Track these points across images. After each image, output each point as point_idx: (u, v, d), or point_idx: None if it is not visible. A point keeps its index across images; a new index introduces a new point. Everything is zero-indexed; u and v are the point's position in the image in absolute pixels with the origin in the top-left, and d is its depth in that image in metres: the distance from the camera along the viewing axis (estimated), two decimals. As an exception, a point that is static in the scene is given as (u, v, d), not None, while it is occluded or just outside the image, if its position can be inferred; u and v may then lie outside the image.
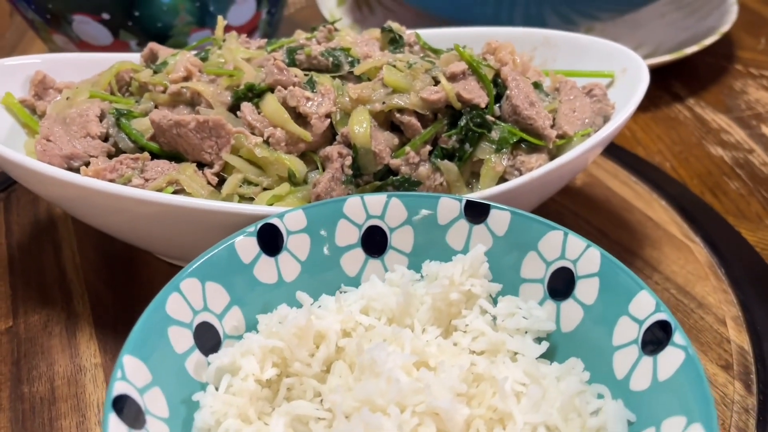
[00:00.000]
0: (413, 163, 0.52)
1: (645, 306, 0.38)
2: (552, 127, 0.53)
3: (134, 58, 0.67)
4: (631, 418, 0.37)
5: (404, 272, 0.46)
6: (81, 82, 0.63)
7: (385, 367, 0.37)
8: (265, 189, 0.51)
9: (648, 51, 0.93)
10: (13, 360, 0.53)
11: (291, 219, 0.45)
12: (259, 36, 0.87)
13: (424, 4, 0.94)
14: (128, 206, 0.47)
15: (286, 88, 0.53)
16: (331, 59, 0.56)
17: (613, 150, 0.76)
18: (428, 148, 0.52)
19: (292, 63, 0.57)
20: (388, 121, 0.53)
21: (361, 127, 0.51)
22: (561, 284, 0.43)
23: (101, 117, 0.55)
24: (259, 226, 0.44)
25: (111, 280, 0.61)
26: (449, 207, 0.47)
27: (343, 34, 0.61)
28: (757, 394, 0.50)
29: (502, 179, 0.52)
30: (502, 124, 0.53)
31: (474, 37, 0.67)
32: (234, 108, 0.54)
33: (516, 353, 0.42)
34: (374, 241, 0.47)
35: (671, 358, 0.36)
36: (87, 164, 0.52)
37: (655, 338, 0.37)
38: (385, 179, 0.53)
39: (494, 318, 0.44)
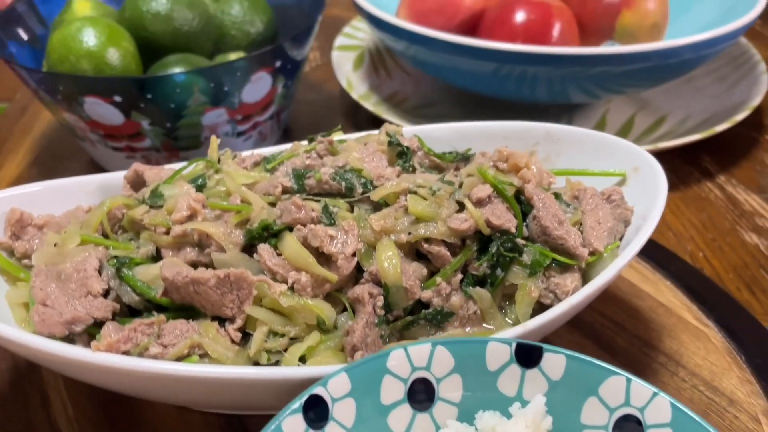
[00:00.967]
0: (445, 295, 0.49)
1: (732, 466, 0.37)
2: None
3: (116, 178, 0.62)
4: None
5: (458, 428, 0.44)
6: (63, 216, 0.58)
7: None
8: (292, 338, 0.47)
9: (675, 121, 0.91)
10: None
11: (335, 385, 0.42)
12: (275, 108, 0.84)
13: (443, 76, 0.92)
14: (152, 383, 0.42)
15: (305, 225, 0.49)
16: (343, 183, 0.53)
17: (684, 275, 0.71)
18: (459, 276, 0.50)
19: (302, 188, 0.54)
20: (413, 250, 0.51)
21: (390, 263, 0.48)
22: (629, 433, 0.42)
23: (100, 268, 0.50)
24: (304, 399, 0.41)
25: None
26: (499, 351, 0.44)
27: (348, 147, 0.58)
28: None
29: (537, 302, 0.50)
30: (532, 245, 0.51)
31: (474, 132, 0.66)
32: (247, 247, 0.50)
33: None
34: (421, 394, 0.45)
35: None
36: (95, 325, 0.47)
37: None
38: (416, 312, 0.50)
39: (563, 475, 0.42)
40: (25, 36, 0.89)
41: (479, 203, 0.50)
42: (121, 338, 0.44)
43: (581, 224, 0.53)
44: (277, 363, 0.46)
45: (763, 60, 0.98)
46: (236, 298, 0.46)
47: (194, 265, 0.50)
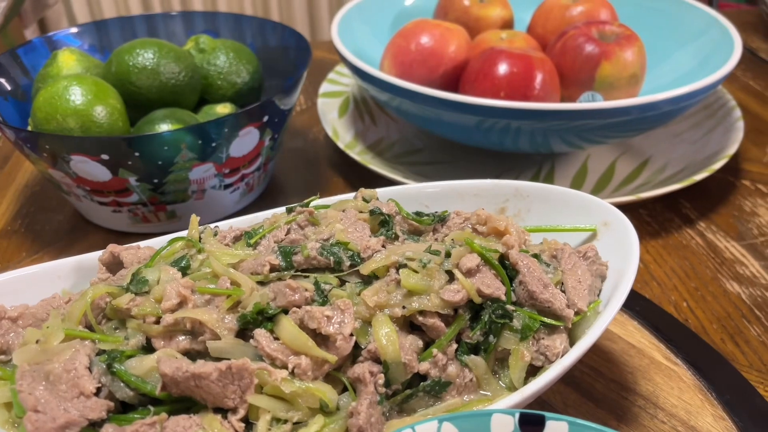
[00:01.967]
0: (441, 366, 0.50)
1: None
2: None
3: (90, 260, 0.61)
4: None
5: (470, 502, 0.44)
6: (39, 306, 0.56)
7: None
8: (295, 423, 0.47)
9: (655, 168, 0.94)
10: None
11: (349, 473, 0.42)
12: (262, 160, 0.84)
13: (427, 126, 0.94)
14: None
15: (299, 307, 0.50)
16: (331, 257, 0.54)
17: (650, 316, 0.73)
18: (454, 345, 0.51)
19: (290, 265, 0.54)
20: (407, 322, 0.52)
21: (389, 340, 0.49)
22: (634, 494, 0.43)
23: (89, 365, 0.48)
24: (320, 492, 0.41)
25: None
26: (503, 423, 0.45)
27: (329, 217, 0.59)
28: None
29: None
30: (521, 309, 0.52)
31: (446, 190, 0.68)
32: (241, 332, 0.50)
33: None
34: (430, 471, 0.45)
35: None
36: (90, 426, 0.45)
37: None
38: (414, 385, 0.51)
39: None
40: (8, 87, 0.88)
41: (469, 273, 0.52)
42: (124, 441, 0.43)
43: (563, 284, 0.55)
44: (283, 451, 0.46)
45: (738, 102, 1.02)
46: (238, 388, 0.46)
47: (188, 353, 0.49)
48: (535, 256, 0.57)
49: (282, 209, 0.63)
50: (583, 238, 0.63)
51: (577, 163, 0.98)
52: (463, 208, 0.65)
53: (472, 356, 0.51)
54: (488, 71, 0.90)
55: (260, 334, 0.48)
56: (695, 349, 0.70)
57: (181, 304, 0.51)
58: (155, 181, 0.76)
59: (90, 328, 0.52)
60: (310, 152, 1.06)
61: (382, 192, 0.67)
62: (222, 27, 1.00)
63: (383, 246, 0.56)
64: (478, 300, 0.51)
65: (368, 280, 0.53)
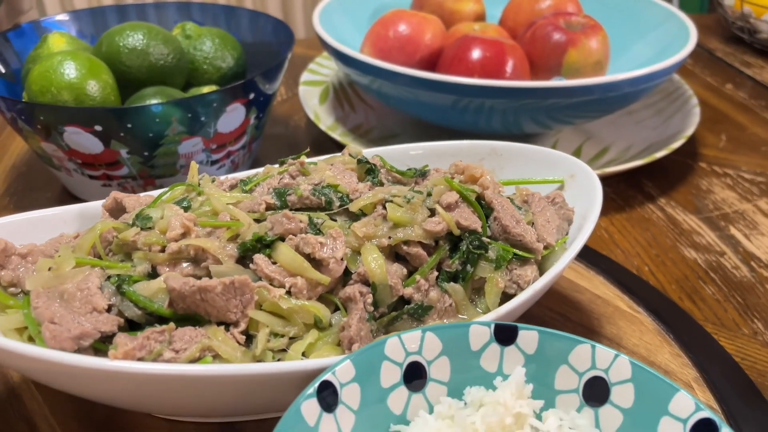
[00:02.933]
0: (424, 291, 0.55)
1: (685, 406, 0.44)
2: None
3: (94, 207, 0.65)
4: None
5: (450, 402, 0.49)
6: (47, 245, 0.59)
7: None
8: (291, 338, 0.52)
9: (619, 150, 1.00)
10: None
11: (341, 372, 0.47)
12: (247, 139, 0.88)
13: (405, 108, 0.98)
14: (170, 386, 0.45)
15: (295, 235, 0.54)
16: (323, 197, 0.58)
17: (614, 271, 0.79)
18: (435, 273, 0.56)
19: (284, 204, 0.58)
20: (393, 253, 0.56)
21: (377, 264, 0.53)
22: (596, 392, 0.48)
23: (100, 287, 0.52)
24: (317, 385, 0.45)
25: (108, 451, 0.57)
26: (480, 333, 0.50)
27: (319, 168, 0.64)
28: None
29: (502, 292, 0.57)
30: (495, 243, 0.58)
31: (426, 151, 0.73)
32: (240, 259, 0.54)
33: (574, 464, 0.46)
34: (414, 377, 0.50)
35: (725, 452, 0.42)
36: (100, 340, 0.49)
37: (703, 434, 0.43)
38: (399, 308, 0.55)
39: (545, 434, 0.48)
40: (1, 69, 0.90)
41: (448, 208, 0.57)
42: (136, 346, 0.47)
43: (533, 223, 0.61)
44: (280, 360, 0.50)
45: (697, 96, 1.10)
46: (239, 303, 0.50)
47: (190, 278, 0.54)
48: (509, 199, 0.62)
49: (276, 165, 0.68)
50: (553, 189, 0.69)
51: (546, 144, 1.02)
52: (442, 167, 0.71)
53: (452, 283, 0.56)
54: (462, 56, 0.95)
55: (259, 258, 0.53)
56: (655, 300, 0.76)
57: (185, 234, 0.55)
58: (146, 153, 0.79)
59: (98, 258, 0.56)
60: (292, 138, 1.10)
61: (367, 152, 0.72)
62: (206, 19, 1.04)
63: (370, 190, 0.61)
64: (456, 231, 0.56)
65: (356, 217, 0.58)
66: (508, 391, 0.48)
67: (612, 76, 0.88)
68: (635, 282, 0.78)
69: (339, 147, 0.99)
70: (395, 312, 0.55)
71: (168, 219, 0.55)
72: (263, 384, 0.47)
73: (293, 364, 0.47)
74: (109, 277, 0.53)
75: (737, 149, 1.06)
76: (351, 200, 0.59)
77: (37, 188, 0.95)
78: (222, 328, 0.50)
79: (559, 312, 0.73)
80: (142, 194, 0.65)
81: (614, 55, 1.06)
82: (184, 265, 0.54)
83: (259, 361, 0.50)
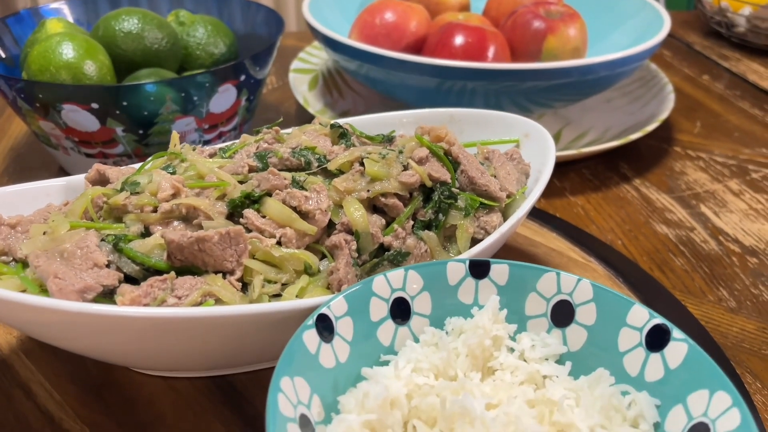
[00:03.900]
0: (401, 238, 0.60)
1: (640, 316, 0.51)
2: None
3: (77, 180, 0.67)
4: (656, 402, 0.48)
5: (434, 331, 0.54)
6: (36, 215, 0.61)
7: (477, 413, 0.45)
8: (283, 284, 0.56)
9: (597, 134, 1.04)
10: None
11: (336, 307, 0.51)
12: (238, 120, 0.92)
13: (391, 92, 1.02)
14: (177, 329, 0.49)
15: (281, 190, 0.58)
16: (302, 159, 0.62)
17: (566, 228, 0.85)
18: (411, 222, 0.61)
19: (266, 166, 0.62)
20: (371, 205, 0.61)
21: (359, 214, 0.58)
22: (562, 314, 0.54)
23: (98, 245, 0.55)
24: (315, 317, 0.49)
25: (108, 409, 0.60)
26: (456, 269, 0.56)
27: (293, 135, 0.68)
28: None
29: (472, 237, 0.63)
30: (463, 193, 0.63)
31: (391, 120, 0.78)
32: (229, 216, 0.58)
33: (548, 377, 0.52)
34: (400, 311, 0.55)
35: (676, 349, 0.48)
36: (101, 295, 0.52)
37: (657, 338, 0.49)
38: (379, 255, 0.60)
39: (521, 353, 0.53)
40: (1, 54, 0.91)
41: (420, 162, 0.62)
42: (141, 293, 0.50)
43: (495, 176, 0.66)
44: (275, 304, 0.54)
45: (674, 86, 1.13)
46: (234, 252, 0.54)
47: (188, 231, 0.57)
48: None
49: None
50: (510, 148, 0.75)
51: None
52: (407, 133, 0.76)
53: (426, 231, 0.61)
54: (446, 42, 1.00)
55: (249, 212, 0.57)
56: (604, 250, 0.83)
57: (174, 195, 0.58)
58: (140, 132, 0.82)
59: (91, 222, 0.59)
60: (282, 123, 1.14)
61: (334, 123, 0.76)
62: (199, 8, 1.07)
63: (344, 151, 0.65)
64: (429, 183, 0.61)
65: (334, 176, 0.62)
66: (485, 316, 0.53)
67: (589, 59, 0.92)
68: (584, 236, 0.85)
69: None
70: (376, 259, 0.59)
71: (157, 182, 0.58)
72: (265, 323, 0.51)
73: (293, 302, 0.51)
74: (104, 238, 0.56)
75: (711, 135, 1.11)
76: (328, 161, 0.63)
77: (35, 168, 0.98)
78: (219, 275, 0.54)
79: (517, 264, 0.79)
80: (123, 167, 0.68)
81: (592, 42, 1.11)
82: (176, 224, 0.57)
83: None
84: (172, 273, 0.53)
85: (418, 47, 1.06)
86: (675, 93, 1.11)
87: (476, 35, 0.99)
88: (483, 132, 0.76)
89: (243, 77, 0.87)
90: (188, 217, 0.57)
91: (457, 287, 0.56)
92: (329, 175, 0.63)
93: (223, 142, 0.91)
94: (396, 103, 1.12)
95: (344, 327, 0.51)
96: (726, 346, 0.71)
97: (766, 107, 1.22)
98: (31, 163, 0.99)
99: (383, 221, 0.60)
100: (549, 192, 0.94)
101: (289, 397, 0.45)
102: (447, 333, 0.55)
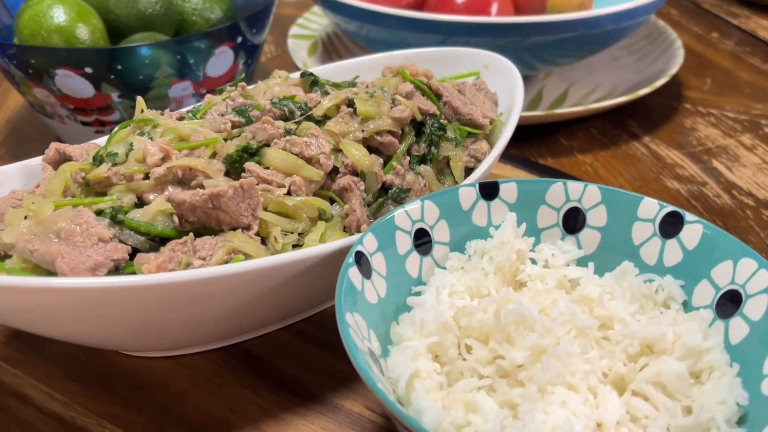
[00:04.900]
0: (401, 175, 0.60)
1: (650, 208, 0.54)
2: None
3: (34, 163, 0.61)
4: (681, 283, 0.51)
5: (459, 256, 0.55)
6: (1, 202, 0.55)
7: (536, 317, 0.46)
8: (299, 234, 0.54)
9: (604, 92, 1.00)
10: None
11: (368, 242, 0.50)
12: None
13: None
14: (221, 289, 0.46)
15: (278, 140, 0.56)
16: (285, 108, 0.60)
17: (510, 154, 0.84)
18: (407, 158, 0.61)
19: (249, 120, 0.60)
20: (366, 145, 0.60)
21: (361, 154, 0.57)
22: (574, 221, 0.56)
23: (95, 221, 0.50)
24: (353, 254, 0.48)
25: (122, 398, 0.55)
26: (468, 194, 0.56)
27: (259, 89, 0.65)
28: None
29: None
30: (450, 124, 0.64)
31: (354, 66, 0.77)
32: (227, 174, 0.55)
33: (573, 280, 0.54)
34: (422, 242, 0.54)
35: (691, 232, 0.52)
36: (110, 272, 0.48)
37: (671, 225, 0.53)
38: (381, 195, 0.59)
39: (544, 262, 0.55)
40: None
41: (407, 97, 0.61)
42: (165, 258, 0.47)
43: (473, 105, 0.67)
44: (298, 253, 0.52)
45: (684, 44, 1.10)
46: (248, 206, 0.51)
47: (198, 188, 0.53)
48: (445, 89, 0.68)
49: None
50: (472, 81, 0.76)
51: (532, 91, 1.03)
52: (366, 79, 0.75)
53: (422, 165, 0.61)
54: (447, 0, 0.96)
55: (252, 165, 0.54)
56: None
57: (164, 159, 0.54)
58: (137, 97, 0.77)
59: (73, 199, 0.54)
60: None
61: (296, 74, 0.74)
62: None
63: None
64: (419, 116, 0.61)
65: (319, 123, 0.60)
66: (507, 232, 0.54)
67: (594, 11, 0.89)
68: (550, 170, 0.88)
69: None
70: (381, 198, 0.59)
71: (142, 148, 0.54)
72: (306, 269, 0.49)
73: (327, 246, 0.49)
74: (98, 213, 0.51)
75: (721, 91, 1.07)
76: (309, 108, 0.61)
77: (32, 140, 0.93)
78: (238, 231, 0.51)
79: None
80: (84, 144, 0.62)
81: (597, 2, 1.06)
82: (171, 189, 0.54)
83: (279, 257, 0.52)
84: (191, 235, 0.49)
85: (419, 6, 1.02)
86: (684, 51, 1.07)
87: None
88: (443, 68, 0.77)
89: (240, 39, 0.83)
90: (184, 180, 0.54)
91: (470, 211, 0.56)
92: (315, 122, 0.61)
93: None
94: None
95: (378, 263, 0.51)
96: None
97: (777, 63, 1.18)
98: (29, 134, 0.94)
99: (381, 160, 0.60)
100: (557, 151, 0.92)
101: (356, 331, 0.44)
102: (469, 257, 0.56)
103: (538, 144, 0.93)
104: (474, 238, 0.56)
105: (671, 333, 0.46)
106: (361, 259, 0.49)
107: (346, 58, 1.14)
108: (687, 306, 0.51)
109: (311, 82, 0.66)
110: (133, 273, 0.47)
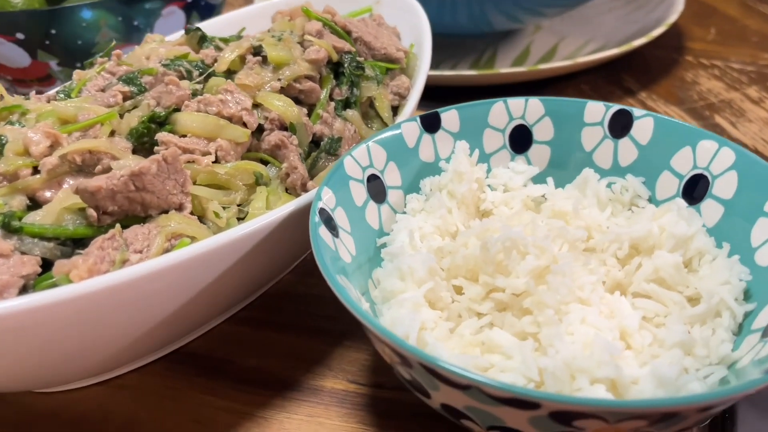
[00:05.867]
0: (329, 124, 0.54)
1: (597, 111, 0.52)
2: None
3: None
4: (641, 179, 0.50)
5: (417, 197, 0.50)
6: None
7: (528, 240, 0.42)
8: (239, 205, 0.46)
9: (597, 46, 0.91)
10: None
11: (326, 198, 0.44)
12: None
13: None
14: (179, 282, 0.38)
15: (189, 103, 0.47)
16: (181, 69, 0.52)
17: None
18: (332, 104, 0.55)
19: (142, 88, 0.50)
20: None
21: (287, 104, 0.50)
22: (520, 138, 0.54)
23: (-16, 234, 0.40)
24: (317, 211, 0.42)
25: (55, 442, 0.45)
26: (411, 129, 0.51)
27: (138, 54, 0.56)
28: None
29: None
30: (366, 61, 0.58)
31: (235, 20, 0.69)
32: (137, 150, 0.46)
33: (538, 197, 0.52)
34: (376, 190, 0.49)
35: (642, 127, 0.51)
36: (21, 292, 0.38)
37: (620, 124, 0.52)
38: (312, 150, 0.53)
39: (504, 186, 0.52)
40: None
41: (318, 36, 0.55)
42: (96, 259, 0.38)
43: (384, 39, 0.62)
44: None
45: None
46: (176, 183, 0.43)
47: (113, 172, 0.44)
48: (348, 27, 0.62)
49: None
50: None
51: (519, 47, 0.94)
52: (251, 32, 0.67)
53: (348, 110, 0.55)
54: None
55: (164, 135, 0.45)
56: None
57: (53, 146, 0.44)
58: (78, 66, 0.68)
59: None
60: None
61: (172, 35, 0.64)
62: None
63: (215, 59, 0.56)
64: (335, 56, 0.55)
65: (228, 78, 0.53)
66: (461, 162, 0.50)
67: None
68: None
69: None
70: (313, 153, 0.52)
71: (21, 138, 0.44)
72: (265, 239, 0.42)
73: (285, 209, 0.43)
74: (-12, 222, 0.40)
75: (726, 41, 0.98)
76: (208, 65, 0.53)
77: None
78: (173, 213, 0.43)
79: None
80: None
81: None
82: (70, 180, 0.44)
83: (223, 234, 0.44)
84: (118, 226, 0.40)
85: None
86: (686, 1, 0.97)
87: None
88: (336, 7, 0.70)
89: None
90: (84, 168, 0.44)
91: (416, 148, 0.52)
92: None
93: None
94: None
95: (341, 219, 0.45)
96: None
97: (787, 10, 1.10)
98: None
99: (305, 110, 0.53)
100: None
101: (354, 296, 0.38)
102: (426, 196, 0.51)
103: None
104: (425, 176, 0.52)
105: (656, 227, 0.45)
106: (326, 217, 0.43)
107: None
108: (652, 201, 0.50)
109: (199, 39, 0.57)
110: (55, 286, 0.38)
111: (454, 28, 0.86)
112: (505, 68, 0.80)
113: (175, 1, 0.73)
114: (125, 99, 0.50)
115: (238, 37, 0.62)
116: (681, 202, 0.47)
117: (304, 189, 0.48)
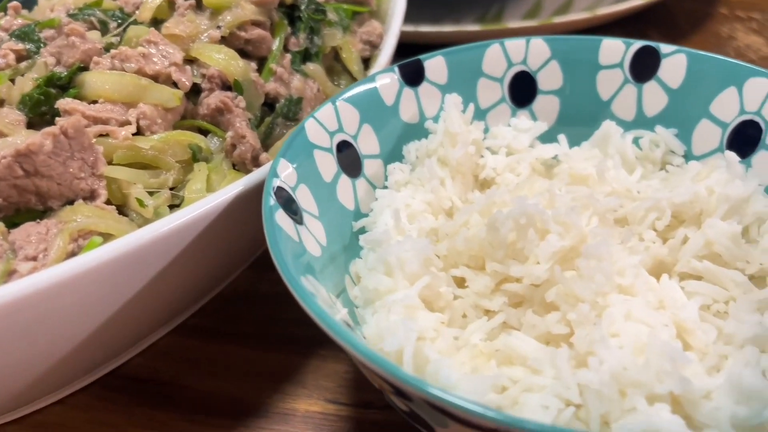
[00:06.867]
0: (286, 81, 0.43)
1: (614, 50, 0.43)
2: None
3: None
4: (674, 131, 0.41)
5: (400, 167, 0.40)
6: None
7: (548, 214, 0.33)
8: (172, 189, 0.36)
9: None
10: None
11: (284, 173, 0.34)
12: None
13: None
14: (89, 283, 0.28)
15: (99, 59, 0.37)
16: (93, 18, 0.41)
17: None
18: (287, 57, 0.44)
19: (41, 43, 0.39)
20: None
21: (230, 57, 0.39)
22: (523, 90, 0.44)
23: None
24: (272, 192, 0.32)
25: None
26: (388, 82, 0.41)
27: (43, 5, 0.44)
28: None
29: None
30: (328, 4, 0.47)
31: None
32: (31, 126, 0.35)
33: (549, 159, 0.42)
34: (349, 161, 0.39)
35: (671, 66, 0.41)
36: None
37: (645, 65, 0.42)
38: (267, 114, 0.43)
39: (507, 149, 0.42)
40: None
41: (263, -28, 0.44)
42: (-34, 275, 0.27)
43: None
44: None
45: None
46: (83, 163, 0.33)
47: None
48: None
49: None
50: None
51: (530, 1, 0.81)
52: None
53: (308, 63, 0.45)
54: None
55: (67, 102, 0.35)
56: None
57: None
58: None
59: None
60: None
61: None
62: None
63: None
64: (289, -1, 0.44)
65: (153, 25, 0.42)
66: (453, 120, 0.40)
67: None
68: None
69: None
70: (268, 118, 0.42)
71: None
72: (204, 233, 0.32)
73: (227, 191, 0.32)
74: None
75: None
76: (128, 14, 0.42)
77: None
78: (80, 203, 0.32)
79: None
80: None
81: None
82: (-58, 169, 0.33)
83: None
84: (1, 226, 0.30)
85: None
86: None
87: None
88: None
89: None
90: (-39, 151, 0.33)
91: (396, 105, 0.42)
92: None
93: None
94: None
95: (305, 199, 0.35)
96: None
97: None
98: None
99: (253, 65, 0.42)
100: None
101: (324, 300, 0.28)
102: (412, 165, 0.41)
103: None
104: (410, 140, 0.42)
105: (703, 189, 0.36)
106: (285, 198, 0.33)
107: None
108: (689, 157, 0.41)
109: (116, -15, 0.46)
110: None
111: None
112: (514, 23, 0.69)
113: None
114: (19, 60, 0.39)
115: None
116: (732, 156, 0.37)
117: (256, 163, 0.38)
